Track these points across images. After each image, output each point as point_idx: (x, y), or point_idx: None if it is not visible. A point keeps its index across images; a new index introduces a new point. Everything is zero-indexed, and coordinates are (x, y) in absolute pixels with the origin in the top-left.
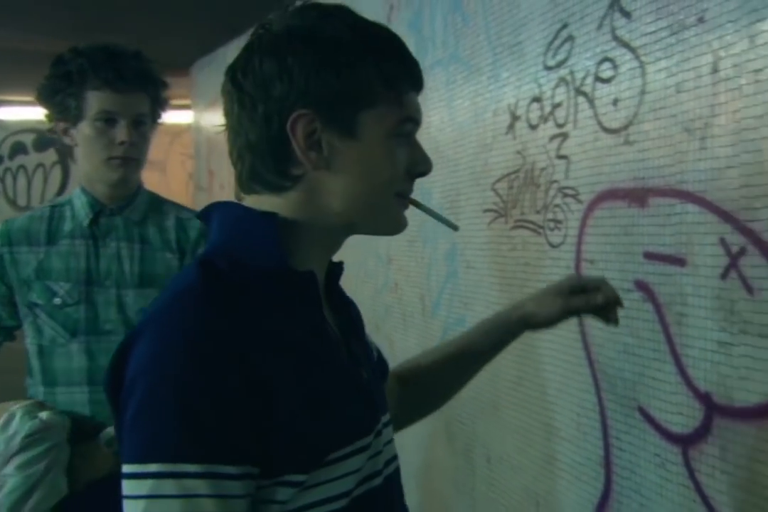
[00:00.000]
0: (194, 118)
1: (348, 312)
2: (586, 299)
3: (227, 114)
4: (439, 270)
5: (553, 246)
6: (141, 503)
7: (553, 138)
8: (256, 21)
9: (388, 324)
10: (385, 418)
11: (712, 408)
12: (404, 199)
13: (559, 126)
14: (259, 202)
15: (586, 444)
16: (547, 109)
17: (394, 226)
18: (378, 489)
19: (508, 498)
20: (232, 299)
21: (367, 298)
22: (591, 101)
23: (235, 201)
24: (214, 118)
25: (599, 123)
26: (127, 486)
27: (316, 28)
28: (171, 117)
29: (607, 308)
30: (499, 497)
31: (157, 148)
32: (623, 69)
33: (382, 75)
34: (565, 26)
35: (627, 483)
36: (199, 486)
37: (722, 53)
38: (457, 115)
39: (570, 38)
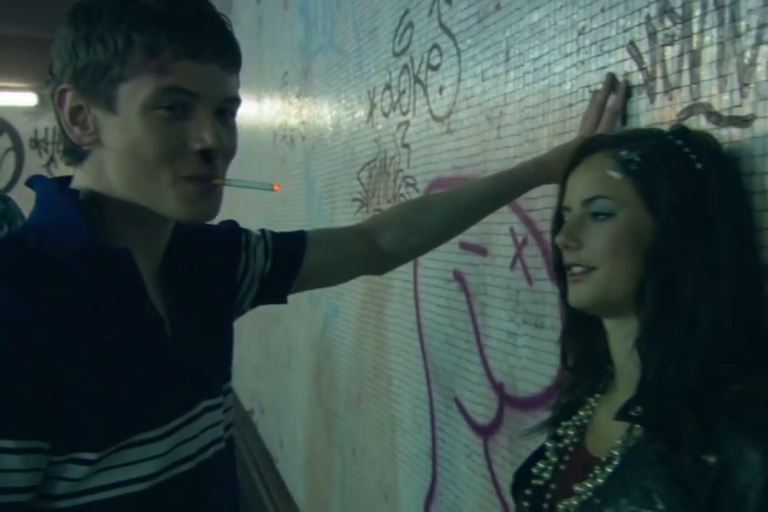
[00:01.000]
0: None
1: (198, 295)
2: None
3: None
4: None
5: None
6: None
7: (399, 126)
8: None
9: (285, 314)
10: (210, 402)
11: (504, 398)
12: (199, 181)
13: (404, 114)
14: (76, 175)
15: (420, 435)
16: (395, 97)
17: (181, 210)
18: (188, 474)
19: (365, 492)
20: (29, 276)
21: None
22: (425, 88)
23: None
24: None
25: (430, 111)
26: None
27: (84, 4)
28: None
29: None
30: (360, 490)
31: None
32: (446, 56)
33: (135, 44)
34: (406, 12)
35: (447, 475)
36: None
37: (512, 41)
38: (333, 102)
39: (410, 25)
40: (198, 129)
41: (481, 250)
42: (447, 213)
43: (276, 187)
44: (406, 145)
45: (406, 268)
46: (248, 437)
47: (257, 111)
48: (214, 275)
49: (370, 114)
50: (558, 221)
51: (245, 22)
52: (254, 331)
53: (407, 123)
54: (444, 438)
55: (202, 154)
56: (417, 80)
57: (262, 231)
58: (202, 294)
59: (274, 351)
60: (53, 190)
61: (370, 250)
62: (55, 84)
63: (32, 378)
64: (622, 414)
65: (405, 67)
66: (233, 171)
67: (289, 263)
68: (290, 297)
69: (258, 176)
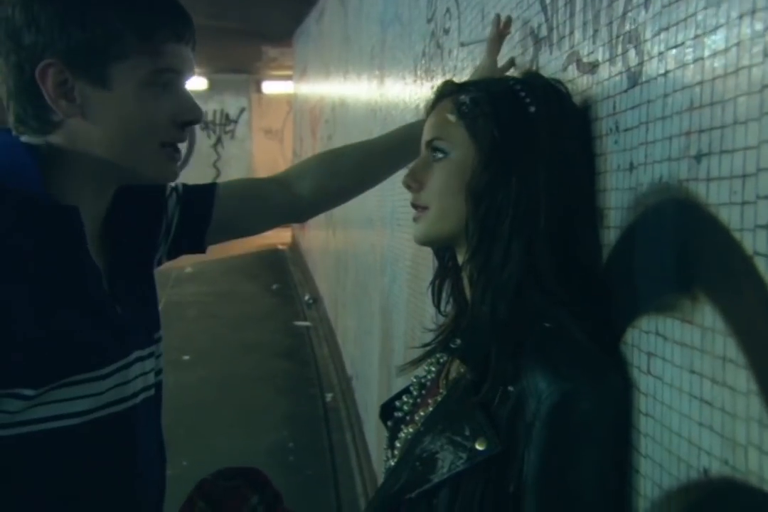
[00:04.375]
0: (294, 88)
1: (130, 250)
2: None
3: None
4: (386, 229)
5: None
6: None
7: (429, 91)
8: None
9: (370, 283)
10: (141, 353)
11: None
12: (173, 148)
13: (431, 79)
14: (30, 140)
15: None
16: (428, 63)
17: (158, 175)
18: (119, 415)
19: None
20: None
21: (361, 259)
22: (442, 52)
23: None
24: (304, 87)
25: (444, 74)
26: None
27: None
28: (288, 87)
29: None
30: None
31: (275, 118)
32: (453, 18)
33: (132, 27)
34: None
35: None
36: None
37: (488, 6)
38: (397, 72)
39: None
40: (181, 103)
41: None
42: (361, 160)
43: None
44: None
45: None
46: (348, 402)
47: (356, 86)
48: (139, 231)
49: (414, 81)
50: None
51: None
52: (353, 300)
53: (433, 88)
54: None
55: (182, 123)
56: (438, 45)
57: (175, 185)
58: (132, 250)
59: (363, 319)
60: (13, 143)
61: (289, 198)
62: (29, 58)
63: None
64: (445, 347)
65: (432, 33)
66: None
67: (199, 213)
68: (371, 266)
69: None
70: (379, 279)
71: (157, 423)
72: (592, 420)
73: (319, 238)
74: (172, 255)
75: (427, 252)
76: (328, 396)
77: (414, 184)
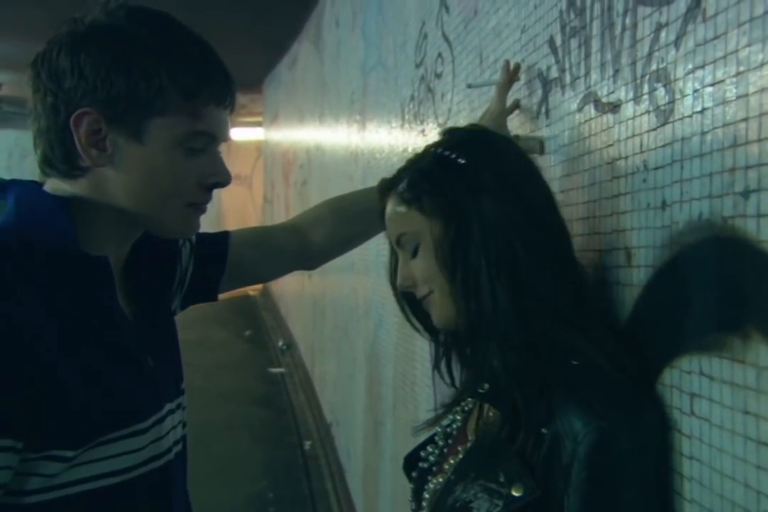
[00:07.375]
0: (264, 134)
1: (150, 298)
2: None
3: (31, 98)
4: (370, 272)
5: None
6: None
7: (417, 135)
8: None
9: (351, 326)
10: (171, 405)
11: None
12: (197, 207)
13: (421, 122)
14: (55, 185)
15: None
16: (417, 107)
17: (178, 230)
18: (158, 471)
19: (403, 498)
20: (12, 276)
21: (341, 303)
22: (433, 96)
23: (38, 180)
24: (275, 133)
25: (436, 118)
26: None
27: (118, 29)
28: (257, 133)
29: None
30: (402, 498)
31: (244, 164)
32: (446, 63)
33: (177, 86)
34: (423, 24)
35: None
36: None
37: (484, 43)
38: (381, 116)
39: (425, 36)
40: (211, 166)
41: None
42: (373, 205)
43: None
44: None
45: None
46: (328, 450)
47: (334, 131)
48: (156, 280)
49: (401, 125)
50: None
51: (330, 46)
52: (332, 345)
53: (423, 131)
54: None
55: (209, 185)
56: (429, 89)
57: None
58: (153, 299)
59: (344, 364)
60: (42, 195)
61: (302, 245)
62: (67, 102)
63: (16, 381)
64: (472, 391)
65: (422, 77)
66: (319, 189)
67: (213, 263)
68: (352, 310)
69: (331, 193)
70: (362, 324)
71: (185, 479)
72: (632, 458)
73: (292, 283)
74: (185, 305)
75: None
76: (307, 444)
77: (407, 282)
